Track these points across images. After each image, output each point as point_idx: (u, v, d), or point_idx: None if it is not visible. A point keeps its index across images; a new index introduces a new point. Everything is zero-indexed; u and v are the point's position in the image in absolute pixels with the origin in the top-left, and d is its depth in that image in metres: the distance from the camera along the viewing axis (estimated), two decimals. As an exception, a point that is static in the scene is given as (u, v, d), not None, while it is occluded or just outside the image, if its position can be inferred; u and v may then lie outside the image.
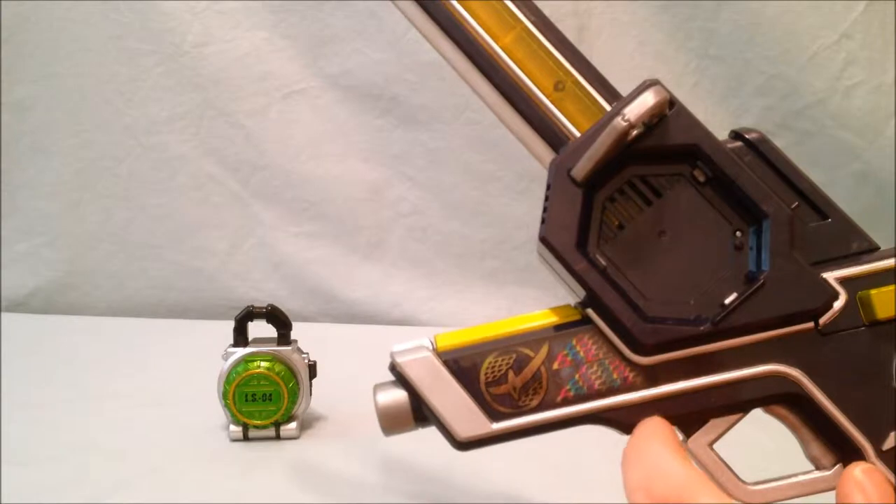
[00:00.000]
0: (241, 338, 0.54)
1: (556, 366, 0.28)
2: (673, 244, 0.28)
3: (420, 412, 0.29)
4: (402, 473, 0.49)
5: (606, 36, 0.80)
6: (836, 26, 0.78)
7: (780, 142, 0.99)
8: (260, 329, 0.55)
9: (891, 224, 0.82)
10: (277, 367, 0.53)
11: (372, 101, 0.85)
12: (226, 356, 0.53)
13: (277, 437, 0.54)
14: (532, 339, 0.28)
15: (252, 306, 0.55)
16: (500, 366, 0.28)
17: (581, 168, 0.27)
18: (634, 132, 0.27)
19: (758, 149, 0.28)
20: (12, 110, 0.86)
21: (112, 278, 0.89)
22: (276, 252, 0.88)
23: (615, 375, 0.27)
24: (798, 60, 0.79)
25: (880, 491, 0.25)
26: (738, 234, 0.28)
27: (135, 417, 0.58)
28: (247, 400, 0.53)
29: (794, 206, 0.28)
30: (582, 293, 0.28)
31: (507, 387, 0.28)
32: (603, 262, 0.28)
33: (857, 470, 0.26)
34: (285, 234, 0.88)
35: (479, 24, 0.29)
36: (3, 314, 0.86)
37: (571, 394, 0.28)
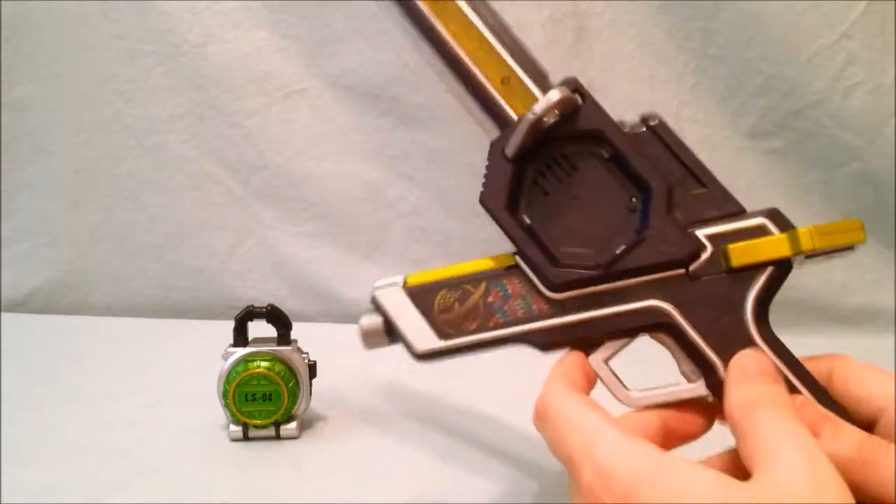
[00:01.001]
0: (241, 338, 0.54)
1: (490, 299, 0.35)
2: (582, 207, 0.35)
3: (391, 332, 0.36)
4: (401, 473, 0.50)
5: (606, 36, 0.79)
6: (836, 26, 0.78)
7: (779, 142, 0.99)
8: (260, 329, 0.55)
9: (891, 224, 0.82)
10: (277, 367, 0.53)
11: (372, 101, 0.85)
12: (226, 356, 0.53)
13: (277, 437, 0.54)
14: (474, 279, 0.36)
15: (252, 306, 0.55)
16: (449, 298, 0.36)
17: (510, 147, 0.34)
18: (551, 120, 0.34)
19: (657, 132, 0.35)
20: (12, 110, 0.86)
21: (112, 278, 0.89)
22: (276, 252, 0.88)
23: (534, 307, 0.35)
24: (798, 60, 0.79)
25: (760, 367, 0.30)
26: (632, 199, 0.35)
27: (135, 417, 0.58)
28: (247, 400, 0.53)
29: (680, 178, 0.34)
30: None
31: (453, 314, 0.36)
32: (528, 221, 0.35)
33: (737, 355, 0.31)
34: (285, 234, 0.88)
35: (450, 35, 0.36)
36: (3, 314, 0.86)
37: (501, 321, 0.35)
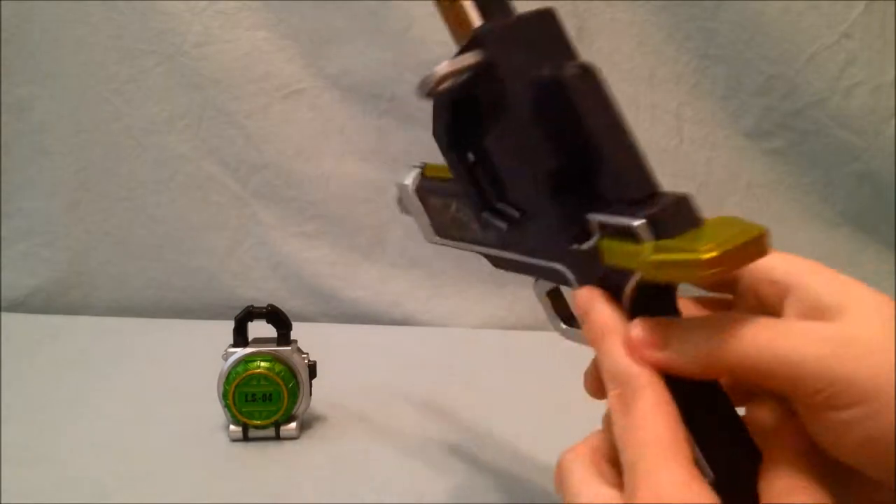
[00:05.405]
0: (241, 338, 0.54)
1: (460, 216, 0.39)
2: (507, 156, 0.35)
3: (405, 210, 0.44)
4: (401, 474, 0.50)
5: (606, 36, 0.80)
6: (836, 26, 0.78)
7: (779, 142, 0.99)
8: (260, 329, 0.55)
9: (891, 224, 0.82)
10: (277, 367, 0.53)
11: (372, 101, 0.85)
12: (226, 356, 0.53)
13: (277, 437, 0.54)
14: (451, 194, 0.39)
15: (252, 306, 0.55)
16: (438, 204, 0.41)
17: (439, 91, 0.38)
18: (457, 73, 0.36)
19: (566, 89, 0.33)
20: (12, 110, 0.86)
21: (112, 278, 0.89)
22: (276, 252, 0.88)
23: (479, 234, 0.38)
24: (798, 60, 0.79)
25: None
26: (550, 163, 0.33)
27: (135, 417, 0.58)
28: (247, 400, 0.53)
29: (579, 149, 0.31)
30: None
31: (444, 220, 0.41)
32: (472, 159, 0.37)
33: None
34: (285, 234, 0.88)
35: None
36: (3, 314, 0.86)
37: (468, 236, 0.39)
